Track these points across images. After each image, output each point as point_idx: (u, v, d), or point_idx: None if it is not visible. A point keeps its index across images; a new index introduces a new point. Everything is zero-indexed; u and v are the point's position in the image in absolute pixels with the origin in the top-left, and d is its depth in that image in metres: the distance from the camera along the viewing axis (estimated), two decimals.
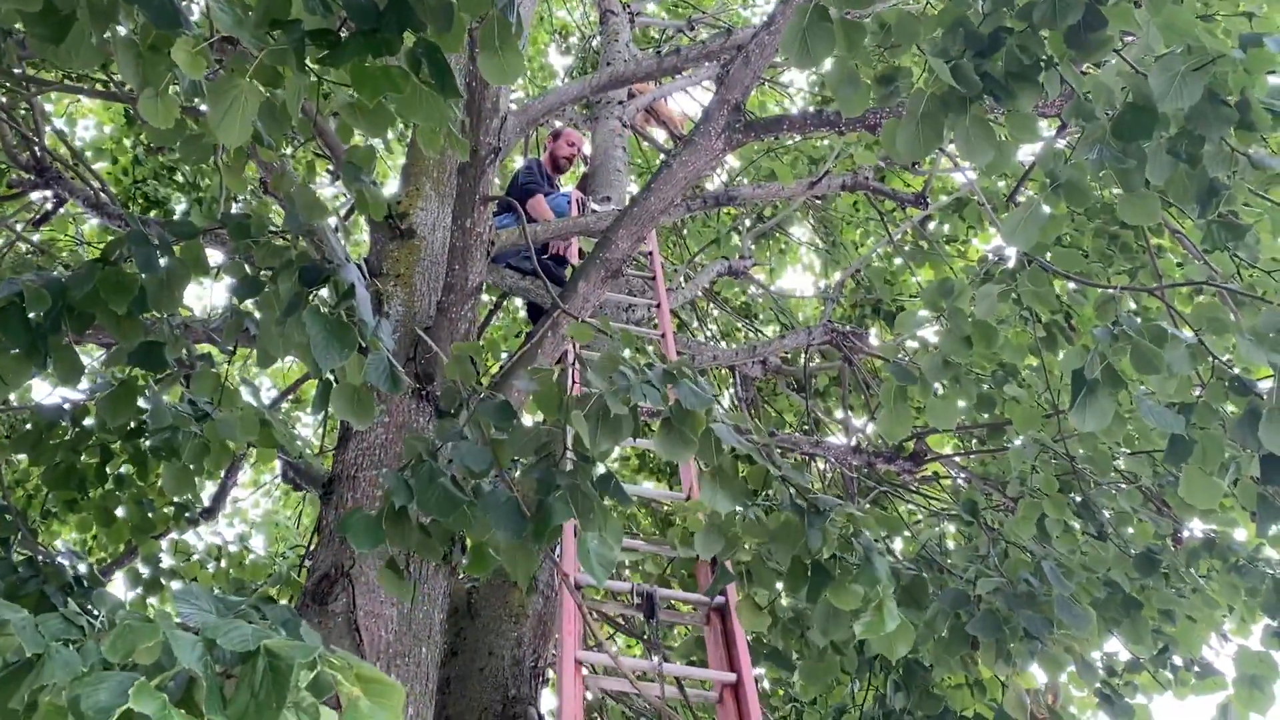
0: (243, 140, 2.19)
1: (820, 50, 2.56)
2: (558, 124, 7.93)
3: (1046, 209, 3.02)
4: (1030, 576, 3.64)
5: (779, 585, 3.24)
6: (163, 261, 2.82)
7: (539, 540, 2.53)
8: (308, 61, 2.25)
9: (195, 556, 6.54)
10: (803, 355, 7.20)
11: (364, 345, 2.56)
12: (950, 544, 4.90)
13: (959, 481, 6.61)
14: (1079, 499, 4.41)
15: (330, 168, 7.39)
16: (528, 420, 3.23)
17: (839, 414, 7.92)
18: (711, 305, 8.69)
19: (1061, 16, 2.62)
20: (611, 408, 2.50)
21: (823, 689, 4.69)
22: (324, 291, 2.67)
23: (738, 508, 2.89)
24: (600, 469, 2.71)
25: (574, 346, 4.46)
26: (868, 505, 5.12)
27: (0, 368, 2.74)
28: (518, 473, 2.81)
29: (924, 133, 2.73)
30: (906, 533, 5.56)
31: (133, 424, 3.95)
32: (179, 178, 7.43)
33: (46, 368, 2.82)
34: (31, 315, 2.73)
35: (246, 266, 2.98)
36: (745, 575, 3.36)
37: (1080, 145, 2.92)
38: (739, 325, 8.71)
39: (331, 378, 2.82)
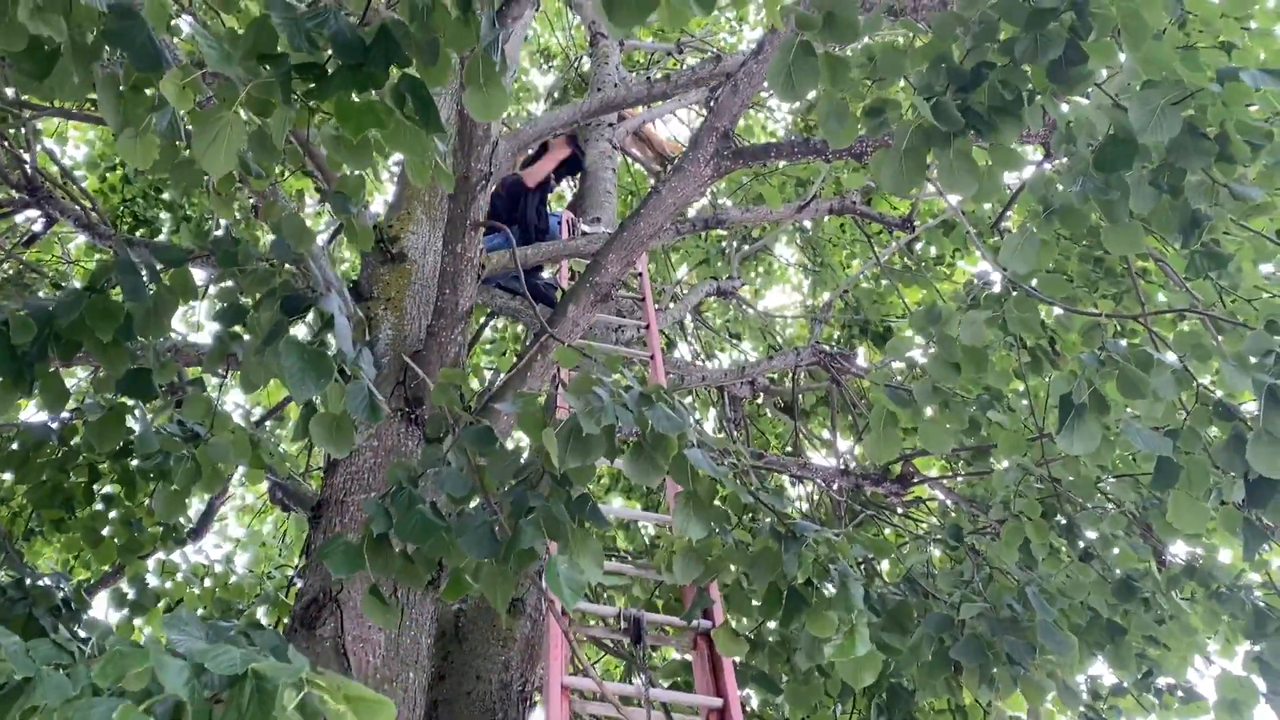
0: (228, 170, 2.21)
1: (805, 85, 2.59)
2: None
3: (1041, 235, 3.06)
4: (1014, 602, 3.65)
5: (757, 612, 3.25)
6: (150, 290, 2.83)
7: (509, 562, 2.54)
8: (295, 94, 2.27)
9: (180, 576, 6.50)
10: (790, 376, 7.23)
11: (346, 370, 2.57)
12: (938, 566, 4.90)
13: (946, 504, 6.63)
14: (1064, 522, 4.43)
15: (319, 187, 7.42)
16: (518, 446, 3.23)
17: (825, 434, 7.94)
18: (697, 328, 8.71)
19: (1043, 52, 2.66)
20: (584, 427, 2.51)
21: (808, 711, 4.69)
22: (309, 317, 2.69)
23: (716, 532, 2.90)
24: (578, 491, 2.72)
25: (559, 371, 4.49)
26: (853, 529, 5.15)
27: None
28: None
29: (908, 167, 2.76)
30: (894, 556, 5.57)
31: (121, 443, 3.94)
32: (166, 196, 7.44)
33: (33, 394, 2.82)
34: (17, 343, 2.73)
35: (235, 291, 2.99)
36: (727, 600, 3.37)
37: (1065, 177, 2.96)
38: (722, 345, 8.74)
39: (317, 402, 2.83)
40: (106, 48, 2.28)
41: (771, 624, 4.13)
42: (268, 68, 2.19)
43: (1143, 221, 3.03)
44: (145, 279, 2.77)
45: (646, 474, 2.70)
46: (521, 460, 2.81)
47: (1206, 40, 3.75)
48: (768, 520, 3.03)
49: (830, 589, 2.98)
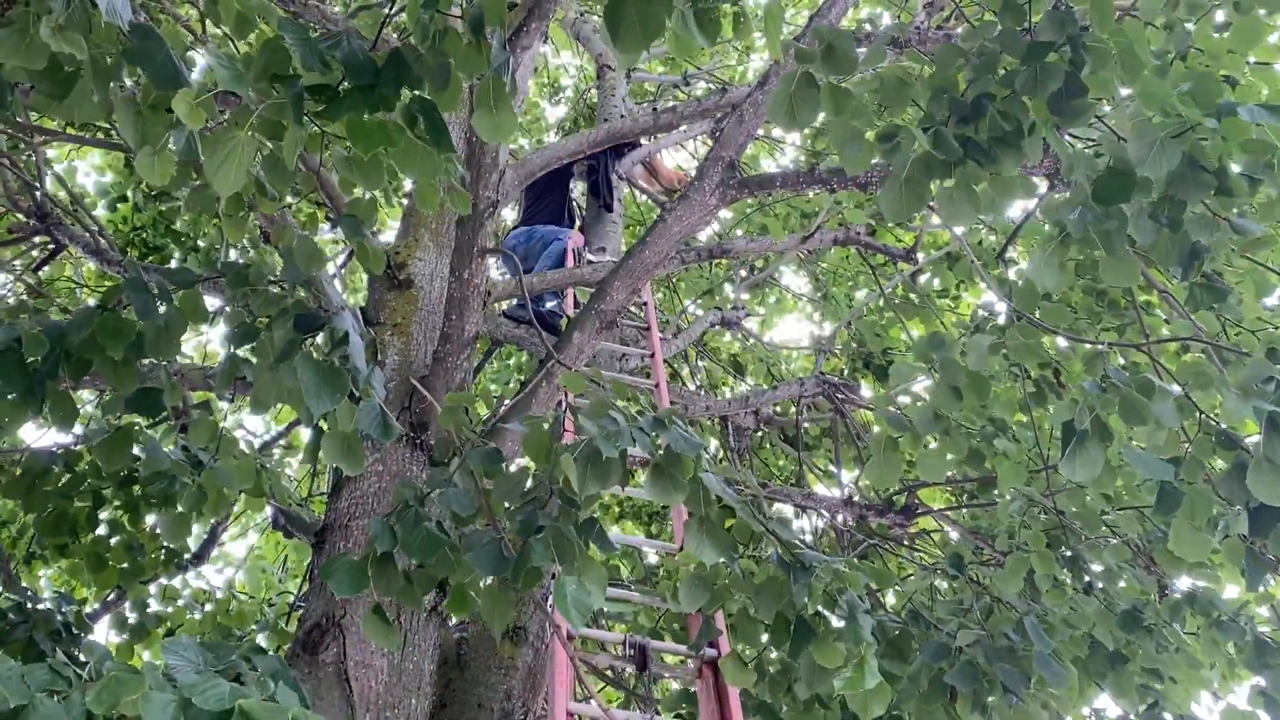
0: (237, 189, 2.24)
1: (806, 115, 2.63)
2: None
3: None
4: (1011, 632, 3.63)
5: (764, 640, 3.23)
6: (161, 309, 2.85)
7: (517, 580, 2.54)
8: (306, 115, 2.30)
9: (181, 602, 6.48)
10: (795, 407, 7.23)
11: (356, 393, 2.59)
12: (942, 596, 4.88)
13: (951, 536, 6.61)
14: (1069, 554, 4.41)
15: (330, 215, 7.48)
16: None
17: (830, 466, 7.93)
18: (700, 359, 8.73)
19: (1043, 84, 2.69)
20: (603, 451, 2.52)
21: None
22: (319, 339, 2.71)
23: (724, 560, 2.91)
24: (585, 514, 2.72)
25: (567, 396, 4.50)
26: (857, 559, 5.13)
27: None
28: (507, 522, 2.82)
29: (907, 196, 2.79)
30: (897, 587, 5.54)
31: (125, 469, 3.95)
32: (177, 226, 7.49)
33: (43, 413, 2.84)
34: (29, 360, 2.75)
35: (245, 314, 3.01)
36: (733, 630, 3.36)
37: (1064, 207, 2.98)
38: (725, 380, 8.76)
39: (323, 425, 2.84)
40: (125, 68, 2.32)
41: (773, 653, 4.11)
42: (279, 89, 2.22)
43: (1143, 254, 3.05)
44: (156, 299, 2.79)
45: (667, 493, 2.71)
46: (528, 483, 2.82)
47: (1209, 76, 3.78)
48: (774, 550, 3.03)
49: (837, 619, 2.97)
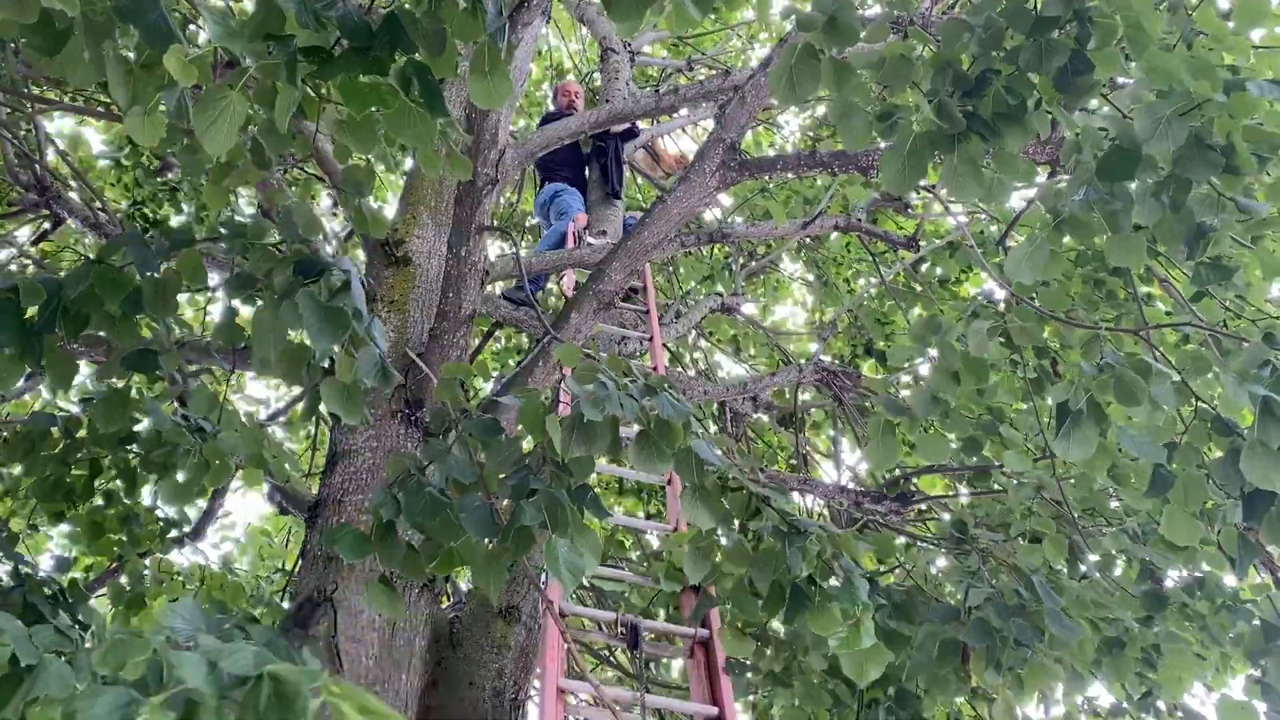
0: (227, 148, 2.22)
1: (806, 88, 2.61)
2: None
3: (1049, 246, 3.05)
4: (1021, 589, 3.63)
5: (760, 609, 3.23)
6: (160, 268, 2.83)
7: (507, 542, 2.54)
8: (300, 76, 2.28)
9: (178, 576, 6.48)
10: (794, 393, 7.23)
11: (360, 334, 2.58)
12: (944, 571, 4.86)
13: (945, 522, 6.60)
14: (1068, 543, 4.41)
15: (328, 191, 7.48)
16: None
17: (828, 450, 7.93)
18: (700, 340, 8.73)
19: (1048, 60, 2.67)
20: (586, 414, 2.51)
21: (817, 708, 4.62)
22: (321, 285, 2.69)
23: (721, 530, 2.90)
24: (579, 481, 2.72)
25: (561, 371, 4.49)
26: (856, 532, 5.12)
27: None
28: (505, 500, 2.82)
29: (909, 167, 2.77)
30: (896, 560, 5.53)
31: (123, 436, 3.94)
32: (178, 199, 7.48)
33: (40, 368, 2.82)
34: (27, 315, 2.73)
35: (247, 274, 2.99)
36: (728, 605, 3.36)
37: (1069, 186, 2.96)
38: (717, 362, 8.77)
39: (321, 395, 2.82)
40: (118, 27, 2.30)
41: (777, 623, 4.11)
42: (274, 49, 2.20)
43: (1148, 237, 3.03)
44: (155, 255, 2.77)
45: (652, 461, 2.70)
46: (522, 451, 2.81)
47: (1213, 60, 3.76)
48: (772, 520, 3.02)
49: (834, 583, 2.96)
